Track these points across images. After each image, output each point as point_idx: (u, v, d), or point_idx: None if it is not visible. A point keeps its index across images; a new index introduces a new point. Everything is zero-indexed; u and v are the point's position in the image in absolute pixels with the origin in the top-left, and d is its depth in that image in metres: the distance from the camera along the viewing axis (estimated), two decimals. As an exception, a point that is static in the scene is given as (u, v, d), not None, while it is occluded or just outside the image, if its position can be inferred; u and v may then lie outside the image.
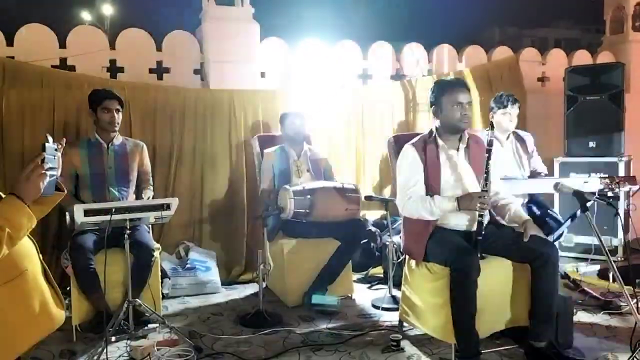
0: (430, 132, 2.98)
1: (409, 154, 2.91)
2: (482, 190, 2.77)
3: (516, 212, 2.89)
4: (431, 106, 2.96)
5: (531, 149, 4.10)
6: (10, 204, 1.80)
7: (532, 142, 4.15)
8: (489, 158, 2.79)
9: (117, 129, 3.56)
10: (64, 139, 1.98)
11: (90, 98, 3.54)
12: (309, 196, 3.56)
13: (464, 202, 2.74)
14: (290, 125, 4.04)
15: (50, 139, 1.89)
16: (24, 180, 1.81)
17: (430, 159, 2.87)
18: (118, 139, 3.62)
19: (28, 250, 1.95)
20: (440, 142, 2.92)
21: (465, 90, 2.87)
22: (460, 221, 2.87)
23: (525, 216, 2.86)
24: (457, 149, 2.93)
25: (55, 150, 1.88)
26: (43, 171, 1.83)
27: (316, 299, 3.14)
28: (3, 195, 1.96)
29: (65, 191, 2.02)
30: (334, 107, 4.93)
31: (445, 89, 2.88)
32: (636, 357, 2.56)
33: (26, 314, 1.90)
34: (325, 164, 4.16)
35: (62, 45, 4.38)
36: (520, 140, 4.10)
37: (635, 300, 2.85)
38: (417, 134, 3.08)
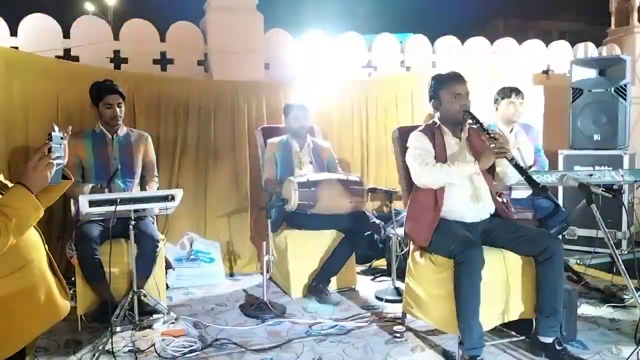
0: (434, 122, 3.05)
1: (419, 136, 2.97)
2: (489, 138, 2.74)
3: None
4: (430, 100, 3.03)
5: (534, 141, 4.11)
6: (17, 193, 1.80)
7: (534, 134, 4.17)
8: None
9: (120, 122, 3.56)
10: (70, 127, 1.98)
11: (91, 92, 3.52)
12: (313, 188, 3.55)
13: (483, 159, 2.74)
14: (294, 119, 4.01)
15: (56, 127, 1.89)
16: (31, 170, 1.81)
17: (438, 144, 2.93)
18: (122, 130, 3.61)
19: (34, 241, 1.96)
20: (445, 129, 2.99)
21: (462, 82, 2.93)
22: (466, 212, 2.87)
23: None
24: (460, 139, 2.99)
25: (62, 139, 1.88)
26: (50, 160, 1.83)
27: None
28: (9, 184, 1.97)
29: (73, 179, 2.02)
30: (338, 99, 4.92)
31: (443, 83, 2.96)
32: (640, 350, 2.56)
33: (32, 305, 1.90)
34: (329, 155, 4.15)
35: (66, 35, 4.38)
36: (525, 131, 4.11)
37: (639, 293, 2.84)
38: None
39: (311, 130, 4.25)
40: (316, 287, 3.66)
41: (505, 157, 2.68)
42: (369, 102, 5.03)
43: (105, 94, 3.47)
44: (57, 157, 1.86)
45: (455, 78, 2.94)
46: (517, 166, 2.69)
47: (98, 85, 3.53)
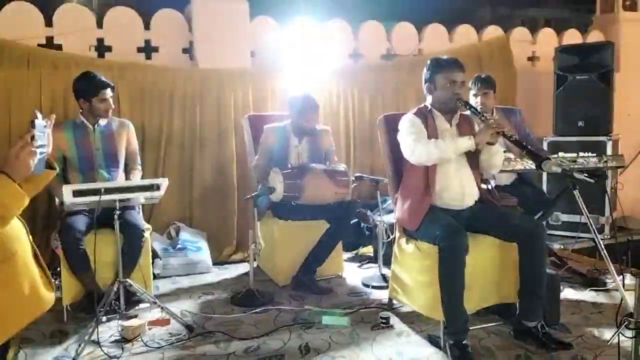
0: (425, 106, 3.02)
1: (412, 118, 2.95)
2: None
3: None
4: (425, 83, 2.99)
5: (519, 126, 4.10)
6: None
7: (517, 118, 4.16)
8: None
9: (111, 114, 3.53)
10: (53, 115, 1.95)
11: (80, 86, 3.43)
12: (299, 181, 3.53)
13: (480, 134, 2.76)
14: (309, 121, 3.81)
15: (39, 115, 1.84)
16: (13, 158, 1.76)
17: (430, 127, 2.92)
18: (104, 120, 3.55)
19: (17, 232, 1.92)
20: (436, 113, 2.97)
21: (459, 69, 2.90)
22: (452, 198, 2.88)
23: None
24: (451, 125, 2.98)
25: (45, 127, 1.84)
26: (33, 149, 1.78)
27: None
28: None
29: (57, 169, 1.99)
30: (325, 87, 4.90)
31: (441, 67, 2.91)
32: (621, 333, 2.60)
33: (16, 297, 1.88)
34: (329, 144, 4.01)
35: (49, 23, 4.31)
36: (508, 115, 4.10)
37: (621, 277, 2.89)
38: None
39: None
40: (301, 281, 3.65)
41: (504, 133, 2.71)
42: (355, 90, 5.02)
43: (101, 89, 3.41)
44: (41, 146, 1.81)
45: (454, 64, 2.90)
46: (516, 142, 2.73)
47: (90, 80, 3.42)
